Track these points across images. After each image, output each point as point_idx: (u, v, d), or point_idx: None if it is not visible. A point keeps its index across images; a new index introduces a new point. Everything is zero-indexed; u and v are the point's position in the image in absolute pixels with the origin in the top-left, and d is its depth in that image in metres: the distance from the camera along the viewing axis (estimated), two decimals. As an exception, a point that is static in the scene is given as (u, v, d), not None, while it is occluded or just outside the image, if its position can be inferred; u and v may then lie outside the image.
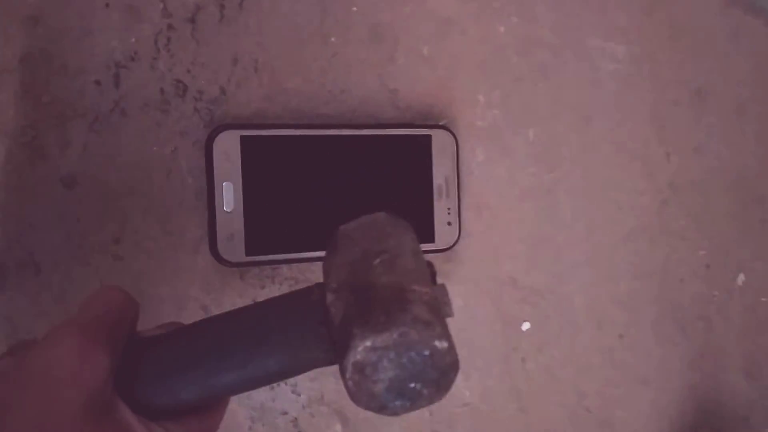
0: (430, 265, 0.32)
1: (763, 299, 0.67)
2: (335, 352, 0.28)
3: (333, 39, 0.50)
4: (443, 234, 0.52)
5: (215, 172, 0.45)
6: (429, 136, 0.52)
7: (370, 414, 0.52)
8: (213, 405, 0.33)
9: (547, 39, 0.57)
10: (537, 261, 0.57)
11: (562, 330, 0.58)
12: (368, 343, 0.26)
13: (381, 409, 0.28)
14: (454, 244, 0.53)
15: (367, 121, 0.51)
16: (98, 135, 0.44)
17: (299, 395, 0.49)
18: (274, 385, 0.48)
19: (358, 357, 0.26)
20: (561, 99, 0.58)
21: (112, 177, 0.45)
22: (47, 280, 0.43)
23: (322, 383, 0.50)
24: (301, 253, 0.48)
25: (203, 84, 0.47)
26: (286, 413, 0.49)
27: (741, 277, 0.66)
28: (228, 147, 0.46)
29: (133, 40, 0.45)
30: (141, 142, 0.45)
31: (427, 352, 0.27)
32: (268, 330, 0.30)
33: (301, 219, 0.48)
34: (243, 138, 0.46)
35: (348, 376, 0.27)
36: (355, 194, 0.50)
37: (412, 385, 0.27)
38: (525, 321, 0.57)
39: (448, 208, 0.53)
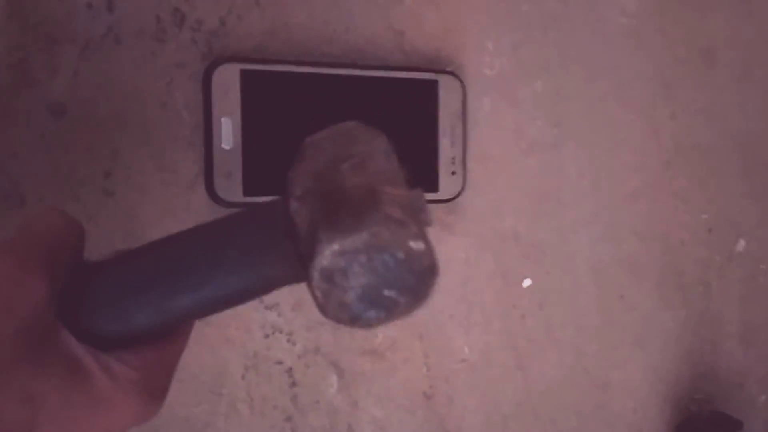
0: (404, 170, 0.29)
1: (762, 266, 0.66)
2: (303, 267, 0.26)
3: (339, -26, 0.48)
4: (447, 183, 0.51)
5: (213, 106, 0.43)
6: (436, 82, 0.50)
7: (366, 367, 0.50)
8: (173, 332, 0.30)
9: (558, -13, 0.55)
10: (540, 216, 0.55)
11: (563, 288, 0.57)
12: (336, 247, 0.24)
13: (353, 320, 0.25)
14: (457, 195, 0.51)
15: (372, 62, 0.49)
16: (89, 62, 0.42)
17: (294, 344, 0.47)
18: (269, 333, 0.47)
19: (325, 263, 0.24)
20: (570, 51, 0.56)
21: (103, 107, 0.42)
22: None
23: (319, 333, 0.48)
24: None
25: (202, 14, 0.44)
26: (280, 362, 0.47)
27: (741, 243, 0.65)
28: (227, 81, 0.43)
29: (129, -39, 0.42)
30: (135, 72, 0.43)
31: (401, 255, 0.24)
32: (227, 246, 0.27)
33: (302, 160, 0.46)
34: (243, 72, 0.44)
35: (315, 284, 0.25)
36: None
37: (387, 292, 0.25)
38: (526, 277, 0.55)
39: (453, 157, 0.51)
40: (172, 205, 0.44)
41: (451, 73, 0.50)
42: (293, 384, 0.47)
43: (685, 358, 0.63)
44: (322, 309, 0.25)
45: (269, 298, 0.47)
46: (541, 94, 0.55)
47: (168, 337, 0.30)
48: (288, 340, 0.47)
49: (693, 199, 0.62)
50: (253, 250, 0.27)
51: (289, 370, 0.47)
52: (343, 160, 0.27)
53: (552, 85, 0.55)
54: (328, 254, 0.24)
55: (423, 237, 0.25)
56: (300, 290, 0.47)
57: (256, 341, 0.46)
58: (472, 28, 0.52)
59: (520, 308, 0.55)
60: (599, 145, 0.58)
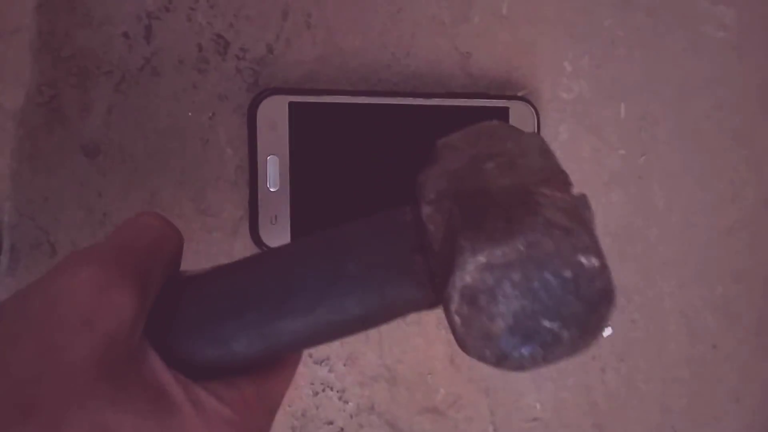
0: (563, 173, 0.24)
1: None
2: (436, 288, 0.21)
3: (399, -9, 0.43)
4: (518, 223, 0.45)
5: (259, 143, 0.39)
6: (506, 109, 0.44)
7: (426, 426, 0.45)
8: (276, 363, 0.25)
9: (645, -1, 0.49)
10: (624, 256, 0.49)
11: (648, 337, 0.50)
12: (482, 258, 0.19)
13: (501, 359, 0.20)
14: (529, 236, 0.45)
15: (435, 89, 0.44)
16: (125, 96, 0.38)
17: (347, 403, 0.43)
18: (318, 390, 0.42)
19: (468, 279, 0.19)
20: (658, 70, 0.49)
21: (140, 146, 0.39)
22: (63, 263, 0.37)
23: (373, 389, 0.43)
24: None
25: (247, 40, 0.40)
26: (331, 423, 0.43)
27: None
28: (274, 115, 0.39)
29: (168, -15, 0.39)
30: (174, 106, 0.39)
31: (568, 273, 0.19)
32: (344, 260, 0.23)
33: (356, 200, 0.41)
34: (292, 105, 0.39)
35: (453, 308, 0.19)
36: (417, 174, 0.43)
37: (547, 323, 0.19)
38: (607, 325, 0.49)
39: (525, 194, 0.45)
40: (214, 252, 0.40)
41: (523, 99, 0.45)
42: (345, 447, 0.43)
43: (787, 413, 0.56)
44: (461, 341, 0.20)
45: (318, 351, 0.42)
46: (625, 119, 0.49)
47: (271, 368, 0.25)
48: (340, 398, 0.43)
49: (799, 234, 0.55)
50: (375, 267, 0.22)
51: (341, 431, 0.43)
52: (487, 159, 0.22)
53: (638, 109, 0.49)
54: (471, 268, 0.19)
55: (596, 250, 0.19)
56: (353, 343, 0.43)
57: (305, 399, 0.42)
58: (547, 46, 0.47)
59: (599, 360, 0.49)
60: (691, 175, 0.51)
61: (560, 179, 0.21)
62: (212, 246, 0.40)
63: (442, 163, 0.23)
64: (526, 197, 0.20)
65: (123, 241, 0.23)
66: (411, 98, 0.42)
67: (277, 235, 0.40)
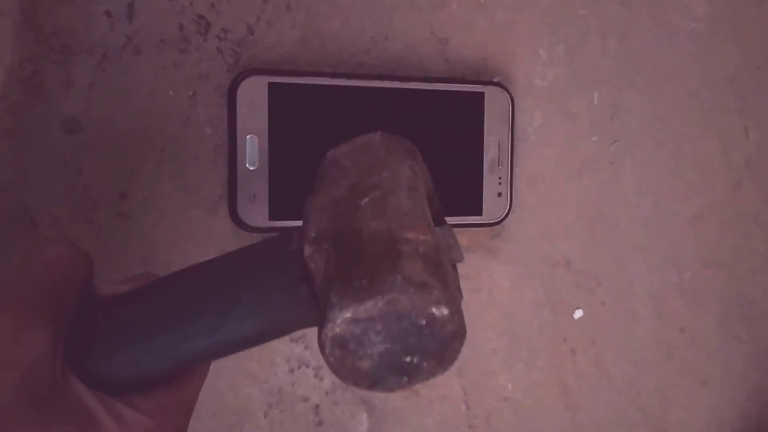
0: (433, 199, 0.28)
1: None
2: (320, 312, 0.24)
3: (378, -23, 0.44)
4: (492, 206, 0.46)
5: (238, 123, 0.40)
6: (481, 94, 0.45)
7: (399, 404, 0.46)
8: (187, 373, 0.28)
9: (620, -10, 0.50)
10: (595, 241, 0.51)
11: (618, 320, 0.52)
12: (348, 314, 0.22)
13: (372, 385, 0.23)
14: (503, 218, 0.47)
15: (413, 73, 0.45)
16: (107, 74, 0.39)
17: (322, 380, 0.44)
18: (294, 367, 0.43)
19: (338, 330, 0.22)
20: (631, 59, 0.51)
21: (121, 123, 0.39)
22: (43, 237, 0.38)
23: (349, 367, 0.44)
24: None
25: (228, 21, 0.41)
26: (306, 399, 0.44)
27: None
28: (254, 95, 0.40)
29: (150, -35, 0.39)
30: (155, 85, 0.40)
31: (423, 321, 0.22)
32: (240, 288, 0.26)
33: (334, 181, 0.42)
34: (271, 85, 0.40)
35: (327, 351, 0.22)
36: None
37: (408, 358, 0.23)
38: (578, 308, 0.50)
39: (499, 178, 0.46)
40: (192, 229, 0.40)
41: (499, 85, 0.46)
42: (320, 423, 0.44)
43: (751, 396, 0.57)
44: (337, 374, 0.23)
45: (296, 329, 0.43)
46: (598, 107, 0.50)
47: (183, 377, 0.28)
48: (315, 375, 0.44)
49: (765, 222, 0.56)
50: (266, 295, 0.26)
51: (316, 408, 0.44)
52: (363, 194, 0.25)
53: (610, 98, 0.50)
54: (340, 322, 0.22)
55: (447, 300, 0.22)
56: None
57: (280, 376, 0.43)
58: (522, 34, 0.48)
59: (570, 342, 0.50)
60: (661, 163, 0.52)
61: (423, 222, 0.24)
62: (191, 223, 0.40)
63: (326, 189, 0.26)
64: (390, 247, 0.23)
65: (30, 280, 0.24)
66: (388, 81, 0.43)
67: (256, 213, 0.40)
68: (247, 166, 0.40)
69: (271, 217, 0.41)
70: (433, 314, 0.22)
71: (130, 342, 0.26)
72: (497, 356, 0.48)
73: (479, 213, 0.46)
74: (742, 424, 0.57)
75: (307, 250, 0.25)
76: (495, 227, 0.47)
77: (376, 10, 0.44)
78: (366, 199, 0.25)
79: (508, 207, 0.47)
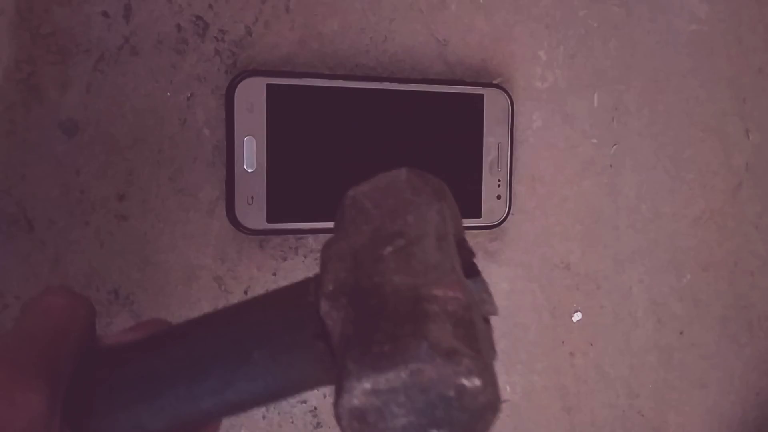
0: (463, 246, 0.25)
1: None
2: (338, 369, 0.22)
3: (377, -22, 0.44)
4: (491, 208, 0.46)
5: (236, 124, 0.40)
6: (481, 96, 0.45)
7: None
8: (197, 429, 0.26)
9: (620, -9, 0.50)
10: (594, 244, 0.50)
11: (617, 323, 0.52)
12: (367, 385, 0.20)
13: None
14: (502, 221, 0.46)
15: (411, 75, 0.45)
16: (104, 75, 0.39)
17: (320, 382, 0.44)
18: (293, 369, 0.43)
19: (356, 402, 0.20)
20: (632, 61, 0.51)
21: (118, 124, 0.39)
22: (40, 239, 0.38)
23: (347, 370, 0.44)
24: (330, 223, 0.41)
25: (226, 22, 0.41)
26: (304, 402, 0.43)
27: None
28: (252, 96, 0.40)
29: (148, -34, 0.39)
30: (153, 86, 0.39)
31: (451, 393, 0.20)
32: (250, 345, 0.24)
33: (332, 183, 0.42)
34: (269, 87, 0.40)
35: (344, 423, 0.20)
36: (393, 158, 0.43)
37: (435, 430, 0.20)
38: (577, 311, 0.50)
39: (498, 180, 0.46)
40: (190, 231, 0.40)
41: (498, 87, 0.46)
42: (318, 425, 0.44)
43: (750, 399, 0.57)
44: None
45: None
46: (598, 109, 0.50)
47: None
48: (313, 377, 0.44)
49: (765, 225, 0.56)
50: (278, 354, 0.23)
51: (314, 410, 0.44)
52: (386, 241, 0.23)
53: (610, 100, 0.50)
54: (358, 393, 0.20)
55: (480, 369, 0.20)
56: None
57: (279, 378, 0.43)
58: (522, 36, 0.47)
59: (569, 345, 0.50)
60: (661, 165, 0.52)
61: (452, 278, 0.22)
62: (189, 225, 0.40)
63: (345, 235, 0.24)
64: (416, 306, 0.20)
65: (25, 333, 0.23)
66: (387, 83, 0.43)
67: (254, 215, 0.40)
68: (245, 167, 0.40)
69: (269, 220, 0.40)
70: (463, 385, 0.20)
71: (134, 400, 0.24)
72: (496, 359, 0.48)
73: (478, 215, 0.46)
74: (741, 427, 0.57)
75: (324, 306, 0.23)
76: (494, 230, 0.47)
77: (376, 11, 0.44)
78: (389, 249, 0.22)
79: (507, 209, 0.47)
